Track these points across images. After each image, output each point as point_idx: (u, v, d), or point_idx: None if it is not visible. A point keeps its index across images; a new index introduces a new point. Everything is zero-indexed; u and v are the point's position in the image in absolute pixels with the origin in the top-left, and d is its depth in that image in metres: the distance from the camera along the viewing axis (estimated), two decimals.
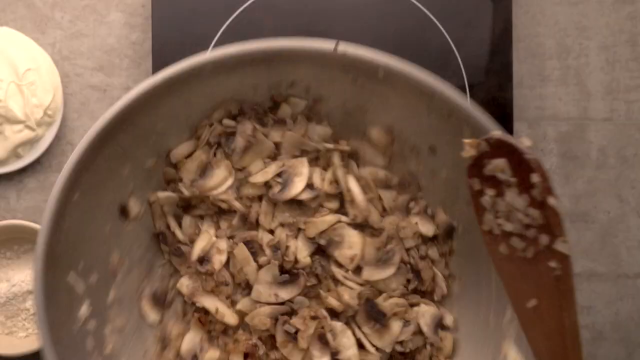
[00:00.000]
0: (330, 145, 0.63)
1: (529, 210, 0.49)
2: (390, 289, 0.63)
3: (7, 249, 0.77)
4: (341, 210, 0.65)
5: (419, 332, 0.64)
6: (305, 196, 0.62)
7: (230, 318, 0.63)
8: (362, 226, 0.64)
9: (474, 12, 0.75)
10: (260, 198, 0.64)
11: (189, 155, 0.64)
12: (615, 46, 0.83)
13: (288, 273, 0.63)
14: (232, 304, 0.64)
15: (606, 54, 0.83)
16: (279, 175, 0.63)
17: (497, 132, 0.51)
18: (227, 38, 0.74)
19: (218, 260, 0.63)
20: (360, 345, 0.63)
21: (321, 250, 0.64)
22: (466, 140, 0.52)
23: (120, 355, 0.63)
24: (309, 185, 0.63)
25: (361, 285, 0.63)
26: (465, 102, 0.58)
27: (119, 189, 0.62)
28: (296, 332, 0.62)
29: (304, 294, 0.63)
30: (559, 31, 0.83)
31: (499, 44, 0.75)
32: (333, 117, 0.64)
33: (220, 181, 0.63)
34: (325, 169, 0.64)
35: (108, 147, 0.58)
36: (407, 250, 0.64)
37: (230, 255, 0.63)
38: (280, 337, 0.62)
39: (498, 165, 0.50)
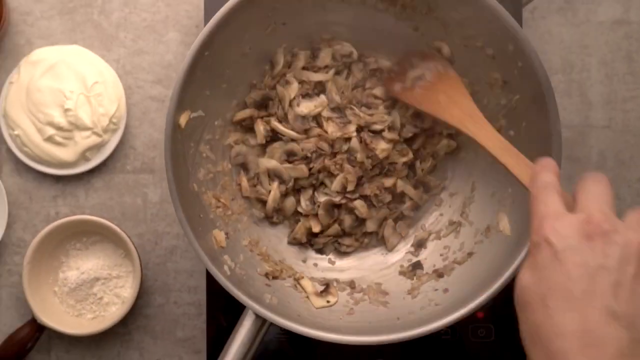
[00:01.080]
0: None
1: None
2: None
3: (76, 241, 0.82)
4: None
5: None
6: None
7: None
8: None
9: None
10: None
11: None
12: (613, 62, 0.86)
13: None
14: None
15: (605, 69, 0.86)
16: None
17: None
18: None
19: None
20: None
21: None
22: None
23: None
24: None
25: None
26: None
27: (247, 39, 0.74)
28: None
29: None
30: (563, 49, 0.86)
31: None
32: None
33: None
34: None
35: (244, 11, 0.69)
36: None
37: None
38: None
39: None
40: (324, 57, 0.77)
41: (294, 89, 0.76)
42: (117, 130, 0.84)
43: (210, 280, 0.80)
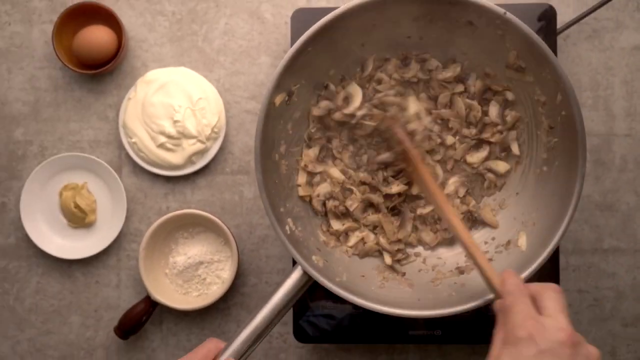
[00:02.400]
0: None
1: None
2: None
3: (184, 231, 0.91)
4: None
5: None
6: None
7: None
8: None
9: None
10: None
11: None
12: (633, 81, 0.90)
13: None
14: None
15: (626, 87, 0.90)
16: None
17: None
18: None
19: None
20: None
21: None
22: None
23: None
24: None
25: None
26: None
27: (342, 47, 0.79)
28: None
29: None
30: (591, 70, 0.90)
31: None
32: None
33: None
34: None
35: (331, 31, 0.75)
36: None
37: None
38: None
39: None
40: (413, 68, 0.82)
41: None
42: (218, 139, 0.90)
43: (296, 263, 0.81)
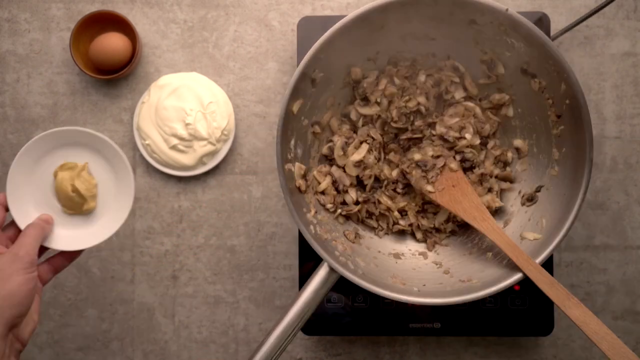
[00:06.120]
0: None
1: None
2: None
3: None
4: None
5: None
6: None
7: None
8: None
9: None
10: None
11: None
12: (623, 86, 0.90)
13: None
14: None
15: (617, 91, 0.91)
16: None
17: None
18: None
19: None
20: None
21: None
22: None
23: None
24: None
25: None
26: None
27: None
28: None
29: None
30: (583, 75, 0.91)
31: None
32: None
33: None
34: None
35: (351, 31, 0.75)
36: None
37: None
38: None
39: None
40: (421, 76, 0.83)
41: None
42: (228, 140, 0.90)
43: (302, 260, 0.86)
